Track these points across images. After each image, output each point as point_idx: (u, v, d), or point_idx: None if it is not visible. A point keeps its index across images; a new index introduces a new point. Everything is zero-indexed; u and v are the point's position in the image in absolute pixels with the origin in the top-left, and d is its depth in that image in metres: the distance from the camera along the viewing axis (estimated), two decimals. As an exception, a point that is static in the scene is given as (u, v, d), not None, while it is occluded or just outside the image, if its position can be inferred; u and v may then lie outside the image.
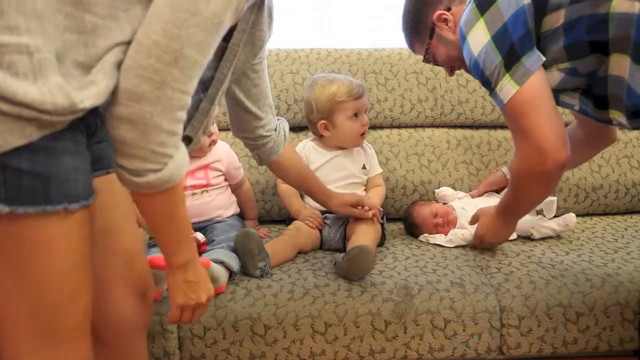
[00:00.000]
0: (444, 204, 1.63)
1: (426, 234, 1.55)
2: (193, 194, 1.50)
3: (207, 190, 1.52)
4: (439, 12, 1.23)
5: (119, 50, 0.73)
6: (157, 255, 1.24)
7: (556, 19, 1.07)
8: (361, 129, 1.57)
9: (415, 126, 1.82)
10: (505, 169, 1.65)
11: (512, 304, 1.26)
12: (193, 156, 1.49)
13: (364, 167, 1.62)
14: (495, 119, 1.80)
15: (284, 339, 1.24)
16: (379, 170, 1.66)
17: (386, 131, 1.80)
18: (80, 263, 0.79)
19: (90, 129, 0.82)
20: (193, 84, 0.76)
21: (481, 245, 1.46)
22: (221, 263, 1.27)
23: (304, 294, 1.27)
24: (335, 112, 1.54)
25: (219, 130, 1.62)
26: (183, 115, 0.76)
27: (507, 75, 1.08)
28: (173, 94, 0.73)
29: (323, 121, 1.56)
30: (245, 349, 1.24)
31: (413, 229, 1.59)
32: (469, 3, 1.14)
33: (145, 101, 0.72)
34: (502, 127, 1.81)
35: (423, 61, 1.33)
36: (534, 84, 1.07)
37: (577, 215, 1.72)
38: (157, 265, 1.20)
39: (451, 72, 1.33)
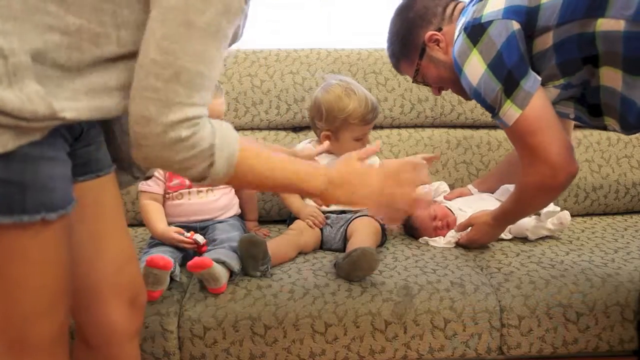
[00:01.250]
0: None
1: (426, 237, 1.55)
2: (198, 192, 1.50)
3: (212, 190, 1.52)
4: (430, 32, 1.25)
5: (107, 71, 0.71)
6: (157, 255, 1.24)
7: (546, 41, 1.10)
8: (361, 147, 1.56)
9: (415, 126, 1.82)
10: (470, 186, 1.67)
11: (512, 304, 1.26)
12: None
13: None
14: (495, 119, 1.80)
15: (284, 339, 1.24)
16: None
17: (386, 131, 1.80)
18: (57, 275, 0.77)
19: (75, 134, 0.81)
20: (203, 95, 0.73)
21: (472, 246, 1.49)
22: (222, 263, 1.27)
23: (304, 294, 1.27)
24: (344, 129, 1.51)
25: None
26: (197, 122, 0.74)
27: (509, 101, 1.11)
28: (180, 108, 0.71)
29: (327, 133, 1.53)
30: (245, 349, 1.24)
31: (412, 232, 1.59)
32: (459, 34, 1.16)
33: (153, 121, 0.70)
34: (502, 127, 1.81)
35: (412, 82, 1.35)
36: (536, 105, 1.11)
37: (577, 215, 1.73)
38: (157, 264, 1.21)
39: (438, 92, 1.35)
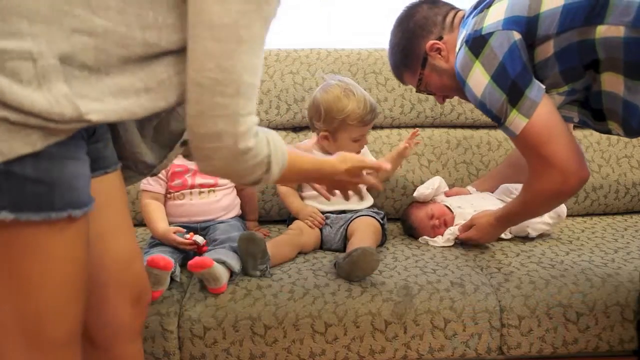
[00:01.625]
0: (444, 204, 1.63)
1: (425, 237, 1.55)
2: (200, 193, 1.50)
3: (213, 190, 1.52)
4: (431, 42, 1.25)
5: (133, 73, 0.73)
6: (157, 255, 1.24)
7: (547, 50, 1.10)
8: (359, 149, 1.55)
9: (415, 126, 1.82)
10: (470, 187, 1.67)
11: (512, 304, 1.26)
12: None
13: None
14: (495, 119, 1.80)
15: (284, 339, 1.24)
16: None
17: (386, 131, 1.80)
18: (78, 271, 0.78)
19: (89, 131, 0.82)
20: (254, 104, 0.79)
21: (471, 243, 1.49)
22: (222, 263, 1.27)
23: (304, 294, 1.27)
24: (341, 130, 1.50)
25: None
26: (256, 131, 0.80)
27: (514, 111, 1.12)
28: (245, 119, 0.77)
29: (325, 133, 1.53)
30: (245, 349, 1.24)
31: (411, 232, 1.59)
32: (461, 46, 1.16)
33: (225, 135, 0.76)
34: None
35: (416, 91, 1.36)
36: (543, 113, 1.11)
37: (577, 215, 1.74)
38: (158, 265, 1.21)
39: (443, 100, 1.36)
